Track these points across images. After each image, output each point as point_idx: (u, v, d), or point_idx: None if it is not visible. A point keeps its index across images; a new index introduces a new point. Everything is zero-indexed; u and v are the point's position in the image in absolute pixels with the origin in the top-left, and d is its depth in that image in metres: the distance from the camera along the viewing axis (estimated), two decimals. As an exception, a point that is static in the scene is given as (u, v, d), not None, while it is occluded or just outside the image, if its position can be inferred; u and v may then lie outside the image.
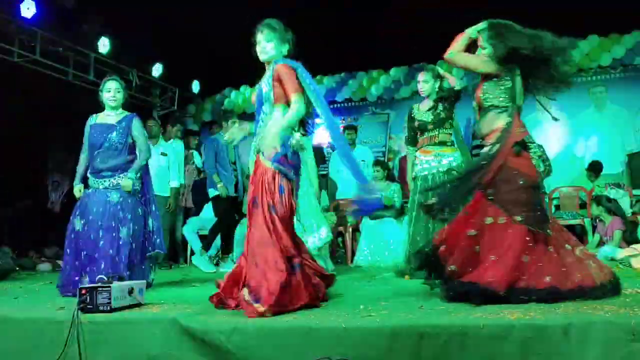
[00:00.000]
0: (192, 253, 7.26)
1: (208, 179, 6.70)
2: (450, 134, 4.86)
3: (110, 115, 4.59)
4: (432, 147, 4.81)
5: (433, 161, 4.77)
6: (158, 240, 4.64)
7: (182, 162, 7.59)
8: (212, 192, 6.64)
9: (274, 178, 3.35)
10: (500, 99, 3.23)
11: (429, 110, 4.87)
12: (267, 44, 3.50)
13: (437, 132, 4.80)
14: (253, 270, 3.28)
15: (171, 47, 8.58)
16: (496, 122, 3.22)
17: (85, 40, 7.96)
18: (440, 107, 4.82)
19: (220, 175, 6.48)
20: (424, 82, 4.91)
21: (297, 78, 3.41)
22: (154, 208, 4.69)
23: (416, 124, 4.93)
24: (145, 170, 4.68)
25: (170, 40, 8.37)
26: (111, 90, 4.56)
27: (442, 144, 4.81)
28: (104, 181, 4.48)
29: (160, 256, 4.78)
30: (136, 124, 4.61)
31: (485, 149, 3.26)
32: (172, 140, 7.59)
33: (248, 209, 3.45)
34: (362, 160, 7.99)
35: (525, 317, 2.65)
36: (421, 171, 4.83)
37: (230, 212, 6.62)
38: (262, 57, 3.53)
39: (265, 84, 3.51)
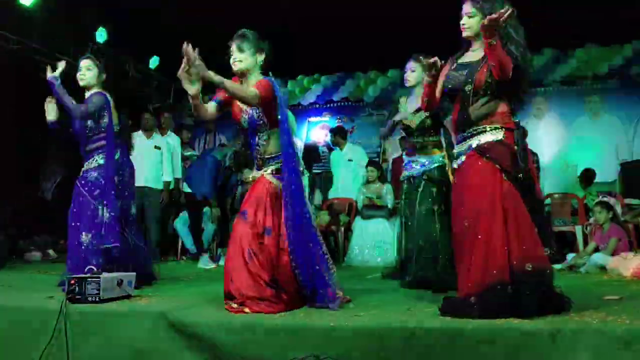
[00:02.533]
0: (183, 247, 7.26)
1: (187, 174, 6.74)
2: (436, 140, 4.46)
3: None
4: (417, 151, 4.52)
5: (416, 164, 4.49)
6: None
7: (179, 156, 7.55)
8: (186, 188, 6.67)
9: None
10: (497, 88, 3.02)
11: (415, 112, 4.48)
12: (240, 54, 3.46)
13: (421, 140, 4.47)
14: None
15: (169, 40, 8.53)
16: (495, 107, 3.04)
17: (83, 29, 7.92)
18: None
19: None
20: (411, 72, 4.53)
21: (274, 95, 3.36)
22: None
23: (400, 124, 4.61)
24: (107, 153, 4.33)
25: (169, 33, 8.32)
26: (82, 69, 4.41)
27: (424, 147, 4.47)
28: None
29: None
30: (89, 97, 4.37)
31: (488, 135, 3.02)
32: (168, 134, 7.55)
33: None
34: (349, 160, 7.99)
35: (514, 322, 2.66)
36: (405, 175, 4.58)
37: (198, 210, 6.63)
38: (235, 67, 3.48)
39: (250, 108, 3.44)
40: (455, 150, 3.23)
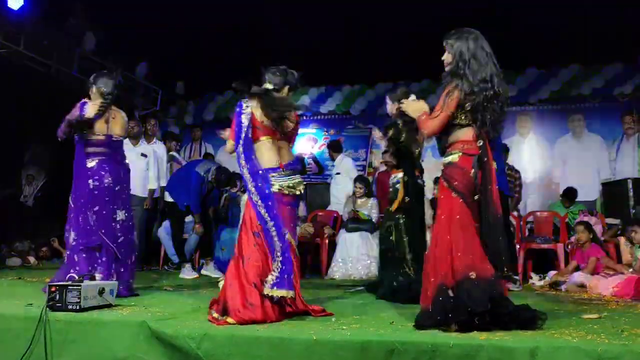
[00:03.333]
0: (166, 256, 7.21)
1: (170, 184, 6.73)
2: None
3: None
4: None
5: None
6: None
7: (164, 165, 7.52)
8: (167, 197, 6.67)
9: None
10: (463, 117, 3.24)
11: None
12: None
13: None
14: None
15: (157, 47, 8.56)
16: (458, 134, 3.25)
17: (71, 35, 7.90)
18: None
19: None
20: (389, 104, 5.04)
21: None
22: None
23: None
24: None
25: (157, 41, 8.35)
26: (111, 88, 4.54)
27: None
28: None
29: None
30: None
31: (449, 158, 3.26)
32: (154, 141, 7.51)
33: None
34: (337, 173, 8.02)
35: (494, 338, 2.68)
36: None
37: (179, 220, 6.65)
38: None
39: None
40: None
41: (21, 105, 7.91)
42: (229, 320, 3.14)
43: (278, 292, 3.30)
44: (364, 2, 8.03)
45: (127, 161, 4.73)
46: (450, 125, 3.26)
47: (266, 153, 3.57)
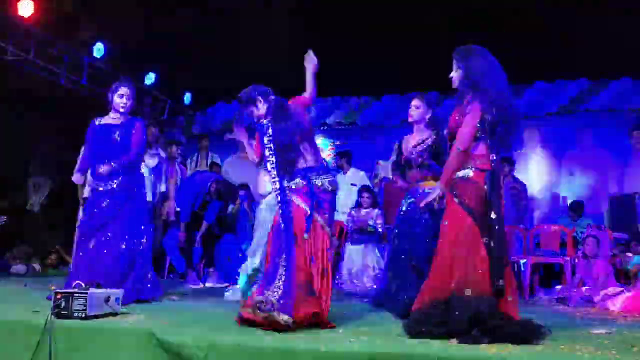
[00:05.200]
0: (171, 265, 7.20)
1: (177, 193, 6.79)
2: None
3: (115, 118, 4.75)
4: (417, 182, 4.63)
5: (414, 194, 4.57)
6: None
7: (160, 171, 7.51)
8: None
9: None
10: (478, 132, 3.23)
11: (415, 146, 4.61)
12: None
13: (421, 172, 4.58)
14: None
15: (165, 57, 8.60)
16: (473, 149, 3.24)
17: (81, 44, 7.94)
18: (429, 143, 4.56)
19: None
20: (415, 108, 4.68)
21: None
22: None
23: (402, 159, 4.74)
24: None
25: (165, 51, 8.38)
26: (123, 96, 4.73)
27: (424, 179, 4.57)
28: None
29: None
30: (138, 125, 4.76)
31: (462, 173, 3.23)
32: (155, 149, 7.47)
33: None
34: (353, 185, 7.97)
35: (503, 352, 2.65)
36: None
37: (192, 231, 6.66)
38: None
39: None
40: None
41: (30, 113, 7.95)
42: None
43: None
44: (371, 13, 8.05)
45: None
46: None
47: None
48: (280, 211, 3.61)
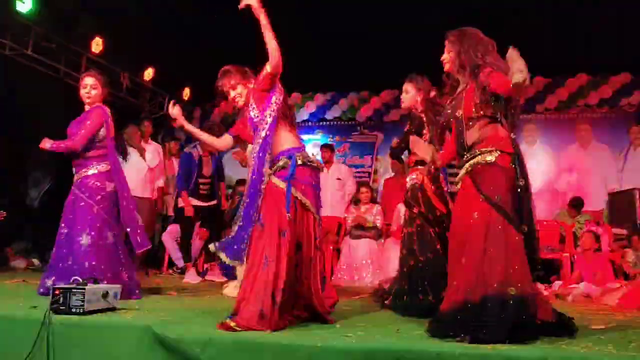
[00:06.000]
0: (170, 260, 7.21)
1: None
2: None
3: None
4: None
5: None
6: None
7: (160, 164, 7.51)
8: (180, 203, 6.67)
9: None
10: (489, 111, 3.07)
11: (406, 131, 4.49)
12: (234, 92, 3.76)
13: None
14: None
15: (164, 52, 8.58)
16: (489, 131, 3.06)
17: (79, 39, 7.93)
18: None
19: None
20: (405, 93, 4.48)
21: None
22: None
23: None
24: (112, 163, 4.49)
25: (164, 46, 8.36)
26: (87, 87, 4.46)
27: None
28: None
29: None
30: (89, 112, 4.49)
31: (485, 157, 3.03)
32: (149, 142, 7.46)
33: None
34: (338, 179, 7.94)
35: (502, 348, 2.65)
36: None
37: (189, 225, 6.60)
38: (238, 105, 3.76)
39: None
40: (456, 179, 3.25)
41: (28, 108, 7.93)
42: (232, 324, 3.07)
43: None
44: (370, 9, 8.04)
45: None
46: (475, 119, 3.08)
47: None
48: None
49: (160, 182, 7.36)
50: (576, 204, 7.41)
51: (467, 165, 3.10)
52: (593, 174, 8.17)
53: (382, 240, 6.98)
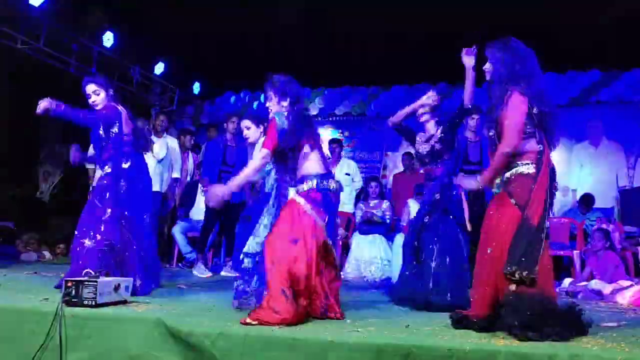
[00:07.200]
0: (180, 254, 7.23)
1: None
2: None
3: None
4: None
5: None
6: None
7: (178, 158, 7.52)
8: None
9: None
10: (528, 125, 3.12)
11: (426, 141, 4.57)
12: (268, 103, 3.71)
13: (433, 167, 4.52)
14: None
15: (175, 46, 8.60)
16: (524, 145, 3.11)
17: (90, 33, 7.96)
18: (438, 135, 4.48)
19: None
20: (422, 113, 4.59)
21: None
22: None
23: (416, 154, 4.71)
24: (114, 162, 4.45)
25: (175, 40, 8.39)
26: (91, 96, 4.45)
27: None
28: None
29: None
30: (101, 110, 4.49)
31: (517, 170, 3.11)
32: (164, 136, 7.47)
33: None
34: (347, 174, 7.90)
35: (512, 344, 2.65)
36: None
37: (212, 216, 6.58)
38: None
39: None
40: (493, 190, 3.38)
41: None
42: (248, 320, 3.11)
43: None
44: (381, 3, 8.01)
45: None
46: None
47: None
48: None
49: (176, 174, 7.38)
50: (587, 201, 7.37)
51: (503, 178, 3.19)
52: (604, 171, 8.13)
53: (391, 236, 6.97)
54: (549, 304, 2.94)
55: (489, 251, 3.10)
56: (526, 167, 3.09)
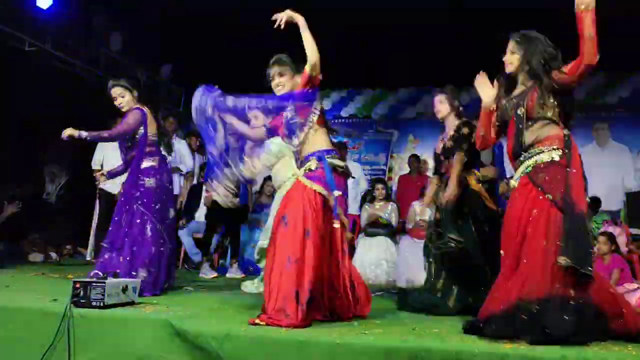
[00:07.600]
0: (186, 255, 7.25)
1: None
2: None
3: None
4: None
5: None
6: None
7: (178, 163, 7.55)
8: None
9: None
10: (550, 112, 3.11)
11: (441, 140, 4.48)
12: (281, 79, 3.69)
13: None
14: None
15: (181, 48, 8.62)
16: (549, 130, 3.09)
17: (97, 35, 7.99)
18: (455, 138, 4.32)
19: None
20: (440, 103, 4.43)
21: None
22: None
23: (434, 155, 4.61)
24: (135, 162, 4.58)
25: (181, 42, 8.41)
26: (117, 98, 4.58)
27: None
28: None
29: None
30: (125, 115, 4.62)
31: (544, 155, 3.05)
32: (174, 138, 7.50)
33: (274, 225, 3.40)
34: (353, 177, 7.87)
35: (520, 347, 2.64)
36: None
37: (213, 218, 6.59)
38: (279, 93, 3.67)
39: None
40: (513, 177, 3.23)
41: (46, 103, 8.01)
42: (257, 320, 3.11)
43: None
44: (387, 6, 8.01)
45: None
46: (535, 120, 3.11)
47: None
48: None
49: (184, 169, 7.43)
50: (593, 204, 7.33)
51: (526, 164, 3.10)
52: (610, 173, 8.09)
53: (397, 238, 6.97)
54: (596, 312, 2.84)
55: (524, 261, 2.94)
56: (555, 153, 3.02)
